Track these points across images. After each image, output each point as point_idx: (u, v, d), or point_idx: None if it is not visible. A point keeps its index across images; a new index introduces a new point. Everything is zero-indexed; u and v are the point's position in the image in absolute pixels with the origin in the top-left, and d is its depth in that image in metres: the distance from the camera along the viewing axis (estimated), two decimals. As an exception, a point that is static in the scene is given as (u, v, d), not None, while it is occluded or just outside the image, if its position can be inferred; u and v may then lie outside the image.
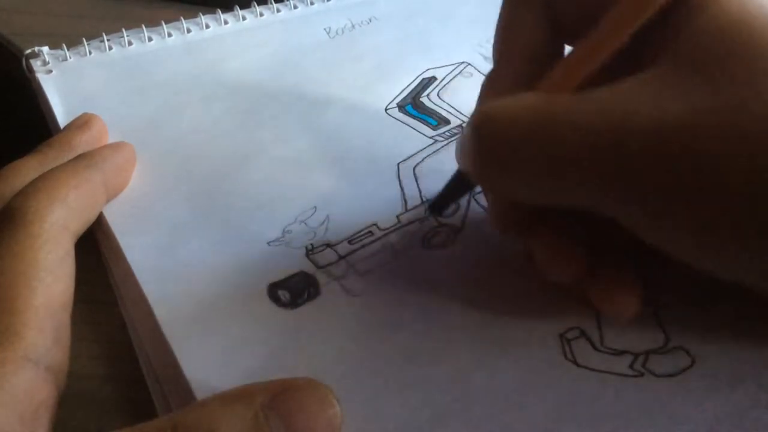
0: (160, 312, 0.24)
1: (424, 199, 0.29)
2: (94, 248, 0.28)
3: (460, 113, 0.34)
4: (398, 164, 0.31)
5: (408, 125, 0.33)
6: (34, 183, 0.25)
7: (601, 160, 0.19)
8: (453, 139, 0.32)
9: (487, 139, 0.20)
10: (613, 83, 0.20)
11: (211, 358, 0.23)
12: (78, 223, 0.26)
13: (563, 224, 0.23)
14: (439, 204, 0.26)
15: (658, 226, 0.20)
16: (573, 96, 0.20)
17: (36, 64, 0.35)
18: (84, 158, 0.28)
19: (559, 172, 0.20)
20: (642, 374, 0.23)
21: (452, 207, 0.28)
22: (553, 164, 0.19)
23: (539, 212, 0.24)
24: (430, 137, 0.32)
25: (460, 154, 0.24)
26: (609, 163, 0.19)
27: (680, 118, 0.18)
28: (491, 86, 0.25)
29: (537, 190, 0.21)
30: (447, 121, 0.33)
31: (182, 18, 0.38)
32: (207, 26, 0.38)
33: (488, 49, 0.37)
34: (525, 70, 0.24)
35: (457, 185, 0.26)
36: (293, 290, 0.25)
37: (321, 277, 0.26)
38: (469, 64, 0.37)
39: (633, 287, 0.23)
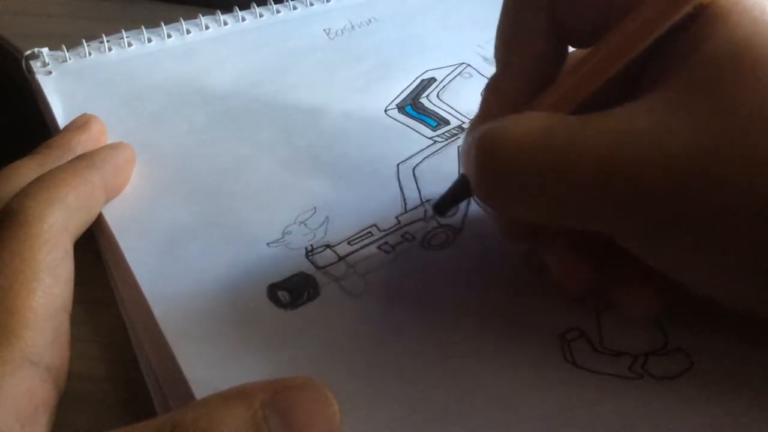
0: (160, 312, 0.24)
1: (423, 200, 0.29)
2: (94, 248, 0.28)
3: (460, 114, 0.34)
4: (398, 165, 0.31)
5: (408, 126, 0.33)
6: (33, 184, 0.25)
7: (601, 186, 0.19)
8: (453, 140, 0.32)
9: (491, 162, 0.21)
10: (616, 108, 0.20)
11: (210, 359, 0.23)
12: (77, 224, 0.26)
13: (574, 232, 0.23)
14: (443, 205, 0.26)
15: (654, 250, 0.20)
16: (577, 120, 0.20)
17: (36, 65, 0.35)
18: (83, 159, 0.28)
19: (562, 197, 0.20)
20: (641, 376, 0.23)
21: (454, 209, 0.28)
22: (557, 189, 0.20)
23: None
24: (430, 138, 0.32)
25: (464, 162, 0.24)
26: (610, 189, 0.19)
27: (686, 150, 0.18)
28: (494, 93, 0.25)
29: (539, 213, 0.21)
30: (446, 122, 0.33)
31: (182, 19, 0.38)
32: (206, 27, 0.38)
33: (488, 50, 0.37)
34: (528, 78, 0.24)
35: (462, 188, 0.26)
36: (293, 291, 0.25)
37: (321, 278, 0.26)
38: (469, 65, 0.37)
39: (651, 286, 0.23)
